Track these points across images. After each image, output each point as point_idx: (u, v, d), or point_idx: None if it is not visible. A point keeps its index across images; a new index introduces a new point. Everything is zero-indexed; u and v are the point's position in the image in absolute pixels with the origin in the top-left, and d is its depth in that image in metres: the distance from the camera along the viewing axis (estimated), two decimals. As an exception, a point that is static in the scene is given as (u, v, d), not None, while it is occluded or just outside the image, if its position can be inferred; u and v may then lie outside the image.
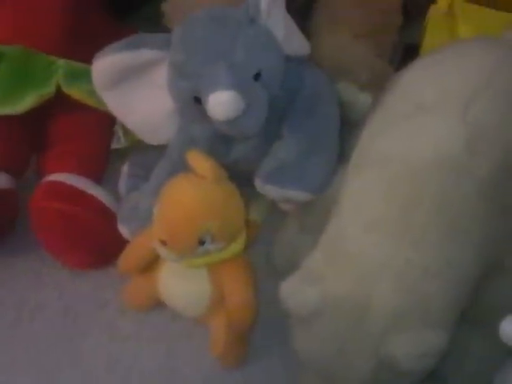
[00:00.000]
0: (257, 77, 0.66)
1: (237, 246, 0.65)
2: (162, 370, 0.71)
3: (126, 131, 0.80)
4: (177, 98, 0.70)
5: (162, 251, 0.62)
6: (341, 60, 0.81)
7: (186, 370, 0.71)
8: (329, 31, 0.85)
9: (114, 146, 0.82)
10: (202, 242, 0.61)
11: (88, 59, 0.72)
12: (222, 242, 0.62)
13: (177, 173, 0.65)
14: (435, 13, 0.87)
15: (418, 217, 0.56)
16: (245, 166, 0.74)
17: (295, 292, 0.57)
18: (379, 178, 0.59)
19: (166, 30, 0.77)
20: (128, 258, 0.70)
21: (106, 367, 0.71)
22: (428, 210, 0.56)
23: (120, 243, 0.72)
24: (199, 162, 0.63)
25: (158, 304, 0.72)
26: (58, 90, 0.77)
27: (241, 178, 0.68)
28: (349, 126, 0.75)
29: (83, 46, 0.78)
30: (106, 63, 0.69)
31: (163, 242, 0.61)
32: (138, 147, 0.82)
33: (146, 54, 0.69)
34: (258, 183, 0.70)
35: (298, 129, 0.72)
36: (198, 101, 0.67)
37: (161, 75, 0.70)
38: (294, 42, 0.73)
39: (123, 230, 0.73)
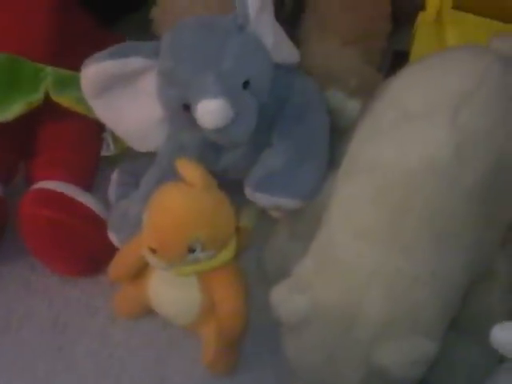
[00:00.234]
0: (246, 85, 0.66)
1: (227, 253, 0.64)
2: (152, 377, 0.71)
3: (116, 138, 0.80)
4: (166, 106, 0.70)
5: (152, 259, 0.62)
6: (329, 67, 0.81)
7: (176, 377, 0.71)
8: (317, 38, 0.85)
9: (104, 153, 0.82)
10: (191, 250, 0.61)
11: (76, 67, 0.72)
12: (212, 249, 0.62)
13: (166, 180, 0.65)
14: (424, 20, 0.87)
15: (408, 224, 0.56)
16: (234, 173, 0.74)
17: (285, 300, 0.57)
18: (368, 185, 0.59)
19: (155, 37, 0.77)
20: (118, 266, 0.70)
21: (95, 375, 0.71)
22: (418, 217, 0.56)
23: (110, 251, 0.71)
24: (189, 169, 0.63)
25: (149, 312, 0.72)
26: (47, 98, 0.77)
27: (230, 185, 0.67)
28: (338, 133, 0.75)
29: (71, 53, 0.78)
30: (94, 71, 0.69)
31: (153, 250, 0.61)
32: (127, 154, 0.82)
33: (134, 62, 0.69)
34: (248, 191, 0.70)
35: (287, 136, 0.72)
36: (187, 108, 0.67)
37: (150, 83, 0.70)
38: (282, 49, 0.73)
39: (113, 237, 0.73)
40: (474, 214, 0.57)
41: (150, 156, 0.76)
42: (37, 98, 0.77)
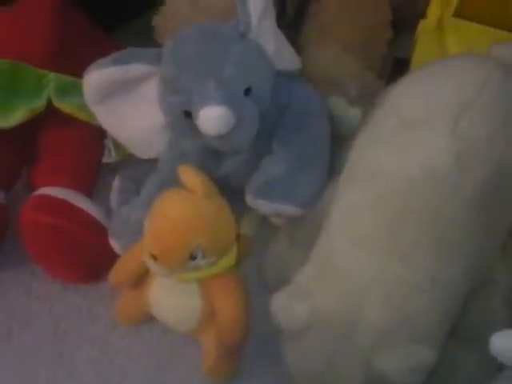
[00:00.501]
0: (247, 92, 0.67)
1: (228, 260, 0.64)
2: (153, 384, 0.71)
3: (117, 145, 0.80)
4: (167, 113, 0.71)
5: (153, 266, 0.62)
6: (330, 74, 0.81)
7: (176, 384, 0.71)
8: (318, 45, 0.86)
9: (105, 159, 0.82)
10: (192, 257, 0.61)
11: (78, 73, 0.72)
12: (212, 256, 0.62)
13: (168, 187, 0.65)
14: (425, 27, 0.87)
15: (408, 231, 0.56)
16: (235, 180, 0.74)
17: (285, 307, 0.57)
18: (369, 192, 0.60)
19: (157, 44, 0.77)
20: (119, 272, 0.70)
21: (96, 382, 0.70)
22: (417, 224, 0.56)
23: (111, 257, 0.71)
24: (190, 176, 0.63)
25: (149, 319, 0.72)
26: (49, 104, 0.77)
27: (231, 192, 0.68)
28: (339, 140, 0.75)
29: (73, 59, 0.79)
30: (97, 77, 0.69)
31: (154, 257, 0.61)
32: (128, 161, 0.82)
33: (136, 69, 0.69)
34: (249, 198, 0.70)
35: (288, 143, 0.72)
36: (188, 115, 0.67)
37: (151, 90, 0.70)
38: (284, 56, 0.74)
39: (114, 244, 0.73)
40: (473, 221, 0.57)
41: (152, 163, 0.76)
42: (39, 104, 0.77)
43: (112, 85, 0.70)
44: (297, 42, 0.84)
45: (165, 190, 0.64)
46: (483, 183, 0.57)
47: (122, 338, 0.74)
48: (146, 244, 0.62)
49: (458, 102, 0.59)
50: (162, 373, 0.71)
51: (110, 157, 0.82)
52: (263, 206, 0.69)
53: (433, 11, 0.86)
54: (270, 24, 0.71)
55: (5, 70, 0.77)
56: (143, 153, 0.77)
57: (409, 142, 0.59)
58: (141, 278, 0.69)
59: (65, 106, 0.78)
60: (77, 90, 0.74)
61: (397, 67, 0.89)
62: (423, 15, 0.88)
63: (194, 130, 0.66)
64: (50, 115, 0.77)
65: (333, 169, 0.71)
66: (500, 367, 0.56)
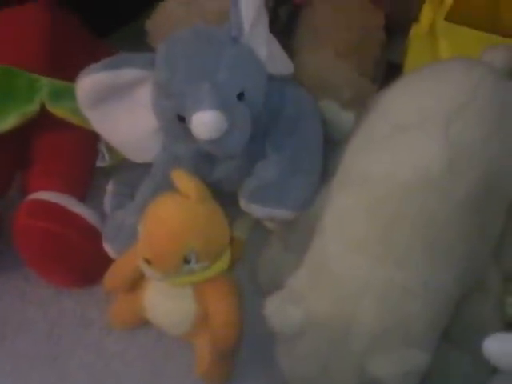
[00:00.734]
0: (240, 96, 0.67)
1: (221, 264, 0.65)
2: (147, 388, 0.71)
3: (111, 149, 0.80)
4: (160, 117, 0.71)
5: (147, 270, 0.62)
6: (323, 78, 0.82)
7: (171, 388, 0.71)
8: (311, 50, 0.86)
9: (99, 163, 0.82)
10: (186, 261, 0.61)
11: (71, 78, 0.72)
12: (206, 260, 0.63)
13: (161, 191, 0.65)
14: (417, 32, 0.88)
15: (401, 236, 0.56)
16: (228, 184, 0.74)
17: (279, 311, 0.57)
18: (362, 196, 0.60)
19: (150, 49, 0.77)
20: (113, 277, 0.70)
21: (90, 386, 0.71)
22: (410, 228, 0.56)
23: (105, 262, 0.71)
24: (183, 181, 0.64)
25: (144, 323, 0.72)
26: (42, 109, 0.77)
27: (225, 196, 0.68)
28: (332, 144, 0.76)
29: (66, 64, 0.79)
30: (90, 82, 0.69)
31: (148, 261, 0.61)
32: (122, 165, 0.82)
33: (129, 73, 0.70)
34: (243, 202, 0.70)
35: (280, 148, 0.72)
36: (181, 119, 0.67)
37: (145, 94, 0.71)
38: (276, 61, 0.74)
39: (108, 248, 0.73)
40: (466, 224, 0.57)
41: (146, 167, 0.76)
42: (32, 109, 0.77)
43: (105, 89, 0.70)
44: (289, 46, 0.85)
45: (159, 195, 0.64)
46: (476, 187, 0.57)
47: (117, 342, 0.74)
48: (140, 248, 0.62)
49: (450, 106, 0.59)
50: (157, 377, 0.71)
51: (103, 161, 0.82)
52: (256, 210, 0.69)
53: (425, 15, 0.87)
54: (263, 28, 0.72)
55: (-1, 76, 0.77)
56: (137, 157, 0.77)
57: (402, 146, 0.59)
58: (135, 283, 0.69)
59: (58, 110, 0.78)
60: (70, 95, 0.74)
61: (389, 71, 0.90)
62: (416, 19, 0.89)
63: (188, 134, 0.66)
64: (43, 120, 0.77)
65: (326, 173, 0.72)
66: (493, 370, 0.57)
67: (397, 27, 0.92)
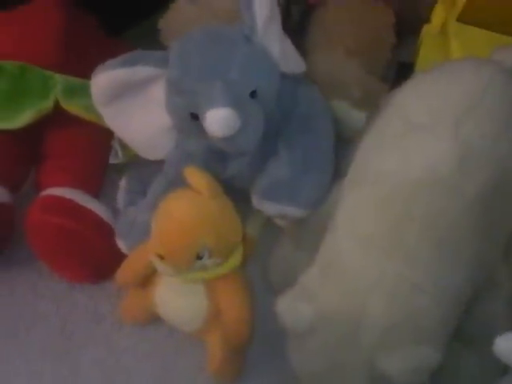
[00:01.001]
0: (253, 94, 0.67)
1: (233, 261, 0.65)
2: (158, 384, 0.71)
3: (124, 146, 0.80)
4: (173, 115, 0.71)
5: (159, 265, 0.63)
6: (335, 77, 0.82)
7: (182, 384, 0.71)
8: (323, 49, 0.86)
9: (112, 160, 0.82)
10: (199, 257, 0.62)
11: (86, 75, 0.72)
12: (219, 257, 0.63)
13: (174, 188, 0.65)
14: (429, 32, 0.88)
15: (410, 233, 0.56)
16: (240, 181, 0.74)
17: (290, 308, 0.57)
18: (373, 194, 0.60)
19: (162, 47, 0.77)
20: (125, 272, 0.70)
21: (102, 381, 0.71)
22: (419, 226, 0.56)
23: (117, 257, 0.72)
24: (196, 177, 0.64)
25: (155, 318, 0.72)
26: (56, 105, 0.78)
27: (237, 193, 0.68)
28: (343, 143, 0.76)
29: (81, 61, 0.79)
30: (104, 79, 0.70)
31: (160, 257, 0.61)
32: (135, 162, 0.82)
33: (143, 71, 0.70)
34: (255, 199, 0.71)
35: (292, 146, 0.72)
36: (194, 117, 0.67)
37: (158, 92, 0.71)
38: (289, 59, 0.74)
39: (121, 244, 0.73)
40: (475, 224, 0.57)
41: (158, 164, 0.77)
42: (46, 105, 0.77)
43: (119, 86, 0.70)
44: (302, 45, 0.85)
45: (171, 191, 0.65)
46: (485, 186, 0.57)
47: (128, 337, 0.74)
48: (153, 244, 0.63)
49: (460, 105, 0.59)
50: (168, 373, 0.71)
51: (116, 158, 0.82)
52: (269, 207, 0.70)
53: (437, 16, 0.87)
54: (276, 27, 0.72)
55: (12, 72, 0.78)
56: (150, 154, 0.77)
57: (412, 146, 0.59)
58: (147, 278, 0.70)
59: (72, 107, 0.78)
60: (84, 92, 0.74)
61: (401, 71, 0.90)
62: (427, 20, 0.89)
63: (200, 131, 0.67)
64: (57, 116, 0.78)
65: (337, 171, 0.72)
66: (504, 370, 0.57)
67: (408, 27, 0.92)
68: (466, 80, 0.62)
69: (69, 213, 0.72)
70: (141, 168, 0.82)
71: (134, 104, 0.72)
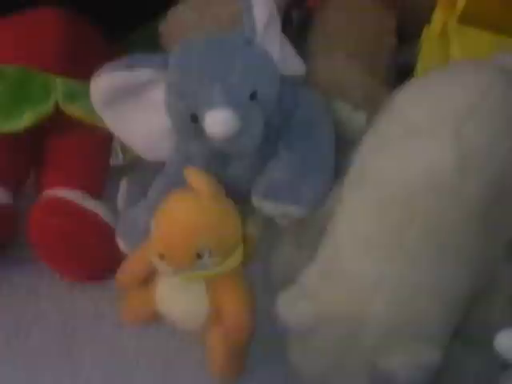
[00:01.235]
0: (253, 96, 0.67)
1: (234, 260, 0.65)
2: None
3: (125, 148, 0.80)
4: (174, 117, 0.71)
5: (160, 265, 0.63)
6: (335, 80, 0.82)
7: (183, 384, 0.71)
8: (323, 51, 0.86)
9: (113, 162, 0.82)
10: (199, 257, 0.62)
11: (85, 78, 0.73)
12: (219, 256, 0.63)
13: (174, 189, 0.65)
14: (429, 34, 0.88)
15: (410, 235, 0.56)
16: (241, 183, 0.74)
17: (291, 307, 0.58)
18: (373, 196, 0.60)
19: (163, 51, 0.78)
20: (126, 272, 0.71)
21: (103, 381, 0.71)
22: (419, 228, 0.56)
23: (118, 257, 0.72)
24: (196, 178, 0.64)
25: (156, 318, 0.72)
26: (57, 108, 0.78)
27: (237, 194, 0.68)
28: (343, 144, 0.76)
29: (81, 64, 0.79)
30: (104, 82, 0.70)
31: (161, 256, 0.61)
32: (136, 164, 0.83)
33: (144, 74, 0.70)
34: (255, 199, 0.70)
35: (292, 148, 0.73)
36: (194, 119, 0.68)
37: (158, 95, 0.71)
38: (289, 62, 0.75)
39: (121, 244, 0.73)
40: (475, 225, 0.57)
41: (159, 165, 0.77)
42: (47, 108, 0.77)
43: (119, 89, 0.71)
44: (302, 48, 0.85)
45: (171, 192, 0.65)
46: (486, 188, 0.57)
47: (129, 337, 0.74)
48: (153, 243, 0.63)
49: (460, 108, 0.59)
50: (169, 372, 0.71)
51: (117, 159, 0.82)
52: (269, 206, 0.70)
53: (437, 18, 0.87)
54: (276, 31, 0.72)
55: (12, 76, 0.78)
56: (150, 156, 0.77)
57: (412, 148, 0.59)
58: (148, 278, 0.70)
59: (73, 110, 0.78)
60: (84, 95, 0.74)
61: (402, 73, 0.90)
62: (428, 22, 0.89)
63: (200, 133, 0.67)
64: (58, 119, 0.78)
65: (337, 173, 0.72)
66: (503, 366, 0.57)
67: (408, 29, 0.92)
68: (467, 83, 0.62)
69: (70, 214, 0.73)
70: (141, 169, 0.82)
71: (134, 107, 0.72)
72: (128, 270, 0.70)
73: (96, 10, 0.87)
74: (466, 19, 0.83)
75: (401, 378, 0.54)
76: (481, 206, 0.57)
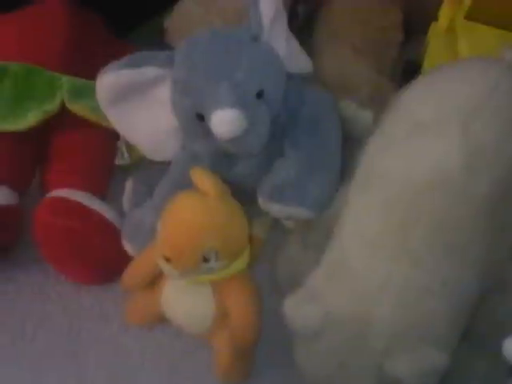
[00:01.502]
0: (259, 95, 0.67)
1: (240, 263, 0.65)
2: (165, 386, 0.71)
3: (130, 147, 0.80)
4: (180, 115, 0.71)
5: (166, 268, 0.62)
6: (342, 77, 0.82)
7: (189, 386, 0.71)
8: (330, 48, 0.86)
9: (118, 162, 0.82)
10: (206, 260, 0.61)
11: (90, 76, 0.73)
12: (226, 259, 0.62)
13: (180, 189, 0.65)
14: (436, 30, 0.87)
15: (417, 234, 0.56)
16: (247, 183, 0.74)
17: (297, 310, 0.57)
18: (379, 196, 0.60)
19: (168, 48, 0.77)
20: (132, 274, 0.70)
21: (108, 382, 0.71)
22: (426, 227, 0.56)
23: (124, 259, 0.72)
24: (202, 178, 0.63)
25: (162, 320, 0.72)
26: (62, 107, 0.78)
27: (243, 194, 0.68)
28: (351, 143, 0.76)
29: (86, 62, 0.79)
30: (109, 80, 0.70)
31: (167, 259, 0.61)
32: (141, 163, 0.82)
33: (149, 72, 0.70)
34: (261, 201, 0.70)
35: (299, 147, 0.72)
36: (200, 118, 0.67)
37: (164, 92, 0.71)
38: (296, 59, 0.74)
39: (127, 246, 0.73)
40: (483, 224, 0.57)
41: (165, 165, 0.77)
42: (52, 107, 0.77)
43: (125, 87, 0.70)
44: (308, 44, 0.85)
45: (177, 193, 0.64)
46: (493, 186, 0.57)
47: (135, 339, 0.74)
48: (159, 246, 0.62)
49: (468, 105, 0.59)
50: (174, 375, 0.71)
51: (123, 159, 0.82)
52: (275, 208, 0.69)
53: (444, 14, 0.86)
54: (282, 27, 0.72)
55: (17, 73, 0.78)
56: (156, 155, 0.77)
57: (420, 146, 0.59)
58: (154, 280, 0.69)
59: (78, 108, 0.78)
60: (90, 93, 0.74)
61: (408, 70, 0.89)
62: (435, 18, 0.88)
63: (207, 132, 0.67)
64: (63, 117, 0.78)
65: (345, 171, 0.72)
66: (510, 372, 0.57)
67: (415, 25, 0.91)
68: (474, 79, 0.61)
69: (75, 214, 0.72)
70: (147, 169, 0.82)
71: (139, 105, 0.72)
72: (134, 272, 0.70)
73: (101, 5, 0.88)
74: (474, 15, 0.82)
75: (408, 381, 0.54)
76: (488, 204, 0.57)
